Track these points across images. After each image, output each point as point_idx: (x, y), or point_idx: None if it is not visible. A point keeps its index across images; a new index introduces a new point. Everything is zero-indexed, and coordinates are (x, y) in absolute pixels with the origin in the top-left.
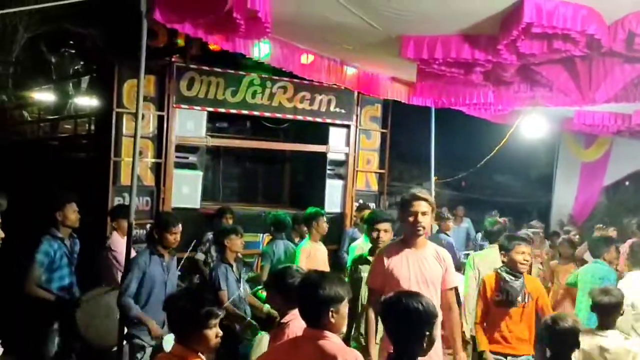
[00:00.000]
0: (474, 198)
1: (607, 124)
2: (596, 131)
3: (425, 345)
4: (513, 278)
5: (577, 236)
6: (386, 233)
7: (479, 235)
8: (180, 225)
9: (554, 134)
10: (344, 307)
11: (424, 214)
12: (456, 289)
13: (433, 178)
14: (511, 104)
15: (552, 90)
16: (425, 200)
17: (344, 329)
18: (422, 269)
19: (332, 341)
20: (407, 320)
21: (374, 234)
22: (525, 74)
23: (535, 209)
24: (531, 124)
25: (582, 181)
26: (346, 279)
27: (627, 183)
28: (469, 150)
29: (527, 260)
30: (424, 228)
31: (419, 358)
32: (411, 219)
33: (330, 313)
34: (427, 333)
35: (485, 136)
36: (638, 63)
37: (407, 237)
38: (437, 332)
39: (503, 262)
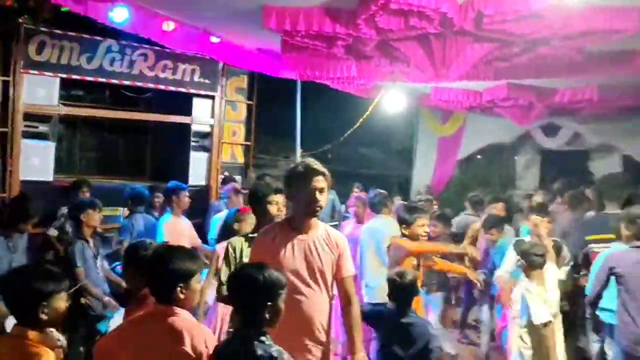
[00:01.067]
0: (340, 170)
1: (460, 100)
2: (451, 107)
3: (269, 315)
4: None
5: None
6: (276, 206)
7: (343, 206)
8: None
9: (413, 109)
10: (195, 282)
11: (321, 190)
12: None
13: (299, 150)
14: (372, 78)
15: (410, 66)
16: (323, 174)
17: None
18: (311, 257)
19: (181, 317)
20: (249, 291)
21: (263, 209)
22: (385, 50)
23: (397, 181)
24: (392, 99)
25: (440, 155)
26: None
27: (479, 157)
28: (335, 123)
29: (427, 232)
30: (321, 208)
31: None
32: (307, 196)
33: (179, 288)
34: (269, 303)
35: (350, 109)
36: (487, 42)
37: (296, 218)
38: (282, 304)
39: (404, 234)
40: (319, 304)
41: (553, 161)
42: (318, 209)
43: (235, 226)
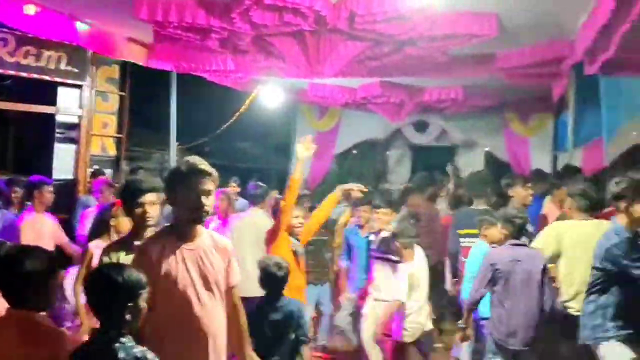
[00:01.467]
0: (218, 164)
1: (336, 96)
2: (327, 103)
3: (130, 316)
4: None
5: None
6: (153, 207)
7: None
8: None
9: (292, 103)
10: (53, 283)
11: (208, 193)
12: None
13: (174, 144)
14: (249, 72)
15: (285, 61)
16: (210, 175)
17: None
18: (204, 268)
19: (36, 321)
20: (108, 292)
21: (138, 211)
22: (261, 45)
23: (275, 175)
24: (270, 93)
25: (317, 149)
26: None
27: (354, 151)
28: (213, 115)
29: (301, 223)
30: (207, 213)
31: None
32: (191, 201)
33: (33, 291)
34: (130, 304)
35: (228, 103)
36: (359, 41)
37: (181, 225)
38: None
39: None
40: (217, 317)
41: (423, 156)
42: (204, 214)
43: (112, 222)
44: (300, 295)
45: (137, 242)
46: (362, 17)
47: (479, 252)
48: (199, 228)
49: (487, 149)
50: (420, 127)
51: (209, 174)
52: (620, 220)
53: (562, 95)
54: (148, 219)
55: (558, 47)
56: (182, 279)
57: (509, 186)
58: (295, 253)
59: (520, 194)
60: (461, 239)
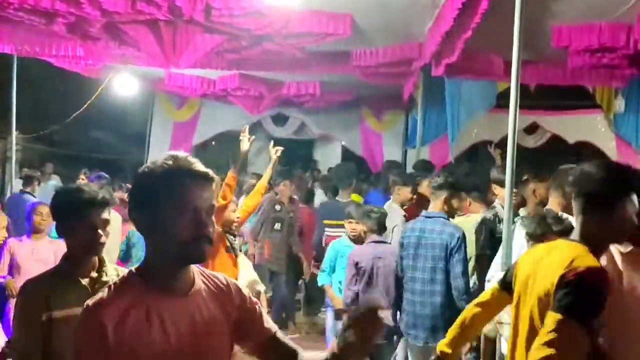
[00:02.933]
0: (68, 154)
1: (195, 87)
2: (186, 93)
3: None
4: None
5: None
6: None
7: None
8: None
9: (148, 92)
10: None
11: (209, 211)
12: None
13: (14, 132)
14: (101, 59)
15: (140, 50)
16: (207, 177)
17: None
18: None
19: None
20: None
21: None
22: (113, 32)
23: (130, 166)
24: (123, 81)
25: (174, 140)
26: None
27: (213, 143)
28: (62, 103)
29: (239, 217)
30: (211, 242)
31: None
32: (181, 223)
33: None
34: None
35: (79, 90)
36: (217, 34)
37: (158, 269)
38: None
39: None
40: None
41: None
42: (205, 247)
43: None
44: None
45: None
46: (218, 11)
47: (337, 245)
48: (192, 269)
49: (343, 143)
50: (280, 120)
51: (206, 177)
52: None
53: (412, 94)
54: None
55: (408, 49)
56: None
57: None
58: (230, 249)
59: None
60: (327, 229)
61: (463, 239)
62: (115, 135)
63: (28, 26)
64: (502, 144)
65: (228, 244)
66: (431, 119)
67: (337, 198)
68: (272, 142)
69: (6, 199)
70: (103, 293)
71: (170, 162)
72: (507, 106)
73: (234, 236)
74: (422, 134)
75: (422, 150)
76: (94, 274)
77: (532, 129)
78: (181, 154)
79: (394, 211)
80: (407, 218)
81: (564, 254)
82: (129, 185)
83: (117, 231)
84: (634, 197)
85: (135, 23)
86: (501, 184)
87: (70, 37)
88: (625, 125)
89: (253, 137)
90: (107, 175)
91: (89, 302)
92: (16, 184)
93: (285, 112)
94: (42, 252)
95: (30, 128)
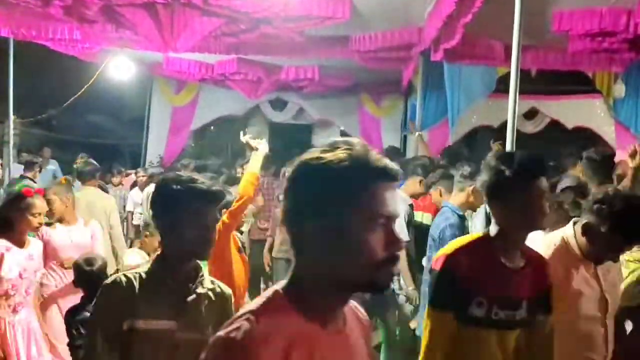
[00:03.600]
0: (65, 139)
1: (193, 71)
2: (184, 77)
3: None
4: None
5: None
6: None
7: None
8: None
9: (146, 77)
10: None
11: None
12: None
13: (12, 116)
14: (98, 42)
15: (137, 34)
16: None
17: None
18: None
19: None
20: None
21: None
22: (110, 15)
23: (129, 151)
24: (120, 65)
25: (173, 125)
26: None
27: (212, 128)
28: (59, 87)
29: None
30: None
31: None
32: (378, 240)
33: None
34: None
35: (76, 74)
36: (215, 17)
37: (320, 294)
38: None
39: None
40: None
41: (280, 134)
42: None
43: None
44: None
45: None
46: None
47: None
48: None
49: (342, 128)
50: (278, 105)
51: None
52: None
53: (411, 79)
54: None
55: (407, 33)
56: None
57: None
58: (241, 249)
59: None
60: None
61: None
62: (113, 120)
63: (24, 9)
64: (501, 131)
65: (240, 244)
66: (430, 104)
67: None
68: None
69: (6, 184)
70: (247, 322)
71: (352, 152)
72: (507, 91)
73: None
74: (421, 119)
75: (419, 140)
76: (190, 284)
77: (531, 114)
78: (357, 140)
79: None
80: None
81: None
82: (128, 171)
83: None
84: (539, 183)
85: (132, 6)
86: None
87: (66, 20)
88: (624, 110)
89: (264, 140)
90: (93, 162)
91: (231, 332)
92: (14, 169)
93: (283, 97)
94: (79, 236)
95: (28, 112)
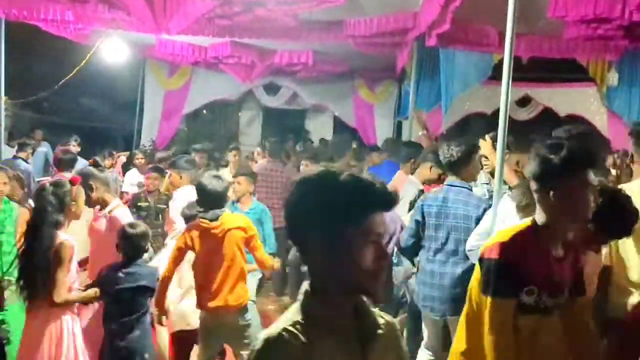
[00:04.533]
0: (57, 122)
1: (186, 54)
2: (177, 60)
3: None
4: None
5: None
6: None
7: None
8: None
9: (138, 59)
10: None
11: None
12: None
13: (3, 98)
14: (90, 23)
15: (130, 15)
16: None
17: None
18: None
19: None
20: None
21: None
22: None
23: (121, 134)
24: (113, 47)
25: (166, 108)
26: None
27: (204, 112)
28: (51, 69)
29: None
30: None
31: None
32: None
33: None
34: None
35: (69, 55)
36: None
37: None
38: None
39: None
40: None
41: (274, 118)
42: None
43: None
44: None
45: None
46: None
47: None
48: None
49: (336, 113)
50: (272, 89)
51: None
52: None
53: (405, 65)
54: None
55: (402, 18)
56: None
57: None
58: None
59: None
60: None
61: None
62: (105, 103)
63: None
64: (494, 117)
65: None
66: (424, 90)
67: None
68: None
69: None
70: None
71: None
72: (500, 78)
73: None
74: (414, 105)
75: (414, 122)
76: (355, 321)
77: (524, 101)
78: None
79: (410, 185)
80: None
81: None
82: (119, 154)
83: None
84: (587, 174)
85: None
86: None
87: (59, 0)
88: (617, 99)
89: None
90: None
91: None
92: (5, 150)
93: (277, 82)
94: (97, 225)
95: (19, 94)
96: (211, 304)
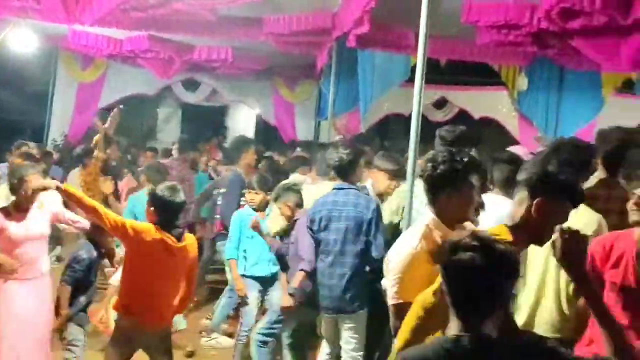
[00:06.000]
0: None
1: (100, 46)
2: (91, 52)
3: None
4: None
5: None
6: None
7: None
8: None
9: (50, 50)
10: None
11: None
12: None
13: None
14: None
15: (40, 3)
16: None
17: None
18: None
19: None
20: None
21: None
22: None
23: (30, 128)
24: (22, 37)
25: (79, 102)
26: None
27: (121, 106)
28: None
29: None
30: None
31: None
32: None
33: None
34: None
35: None
36: None
37: None
38: None
39: None
40: None
41: (193, 115)
42: None
43: None
44: None
45: None
46: None
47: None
48: None
49: (257, 111)
50: (191, 85)
51: None
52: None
53: (325, 65)
54: None
55: (321, 18)
56: None
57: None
58: None
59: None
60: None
61: (378, 209)
62: (14, 95)
63: None
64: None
65: None
66: (343, 91)
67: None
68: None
69: None
70: None
71: None
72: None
73: None
74: (334, 106)
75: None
76: None
77: (440, 104)
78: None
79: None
80: None
81: None
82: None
83: None
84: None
85: None
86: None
87: None
88: (527, 103)
89: None
90: None
91: None
92: None
93: (196, 77)
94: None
95: None
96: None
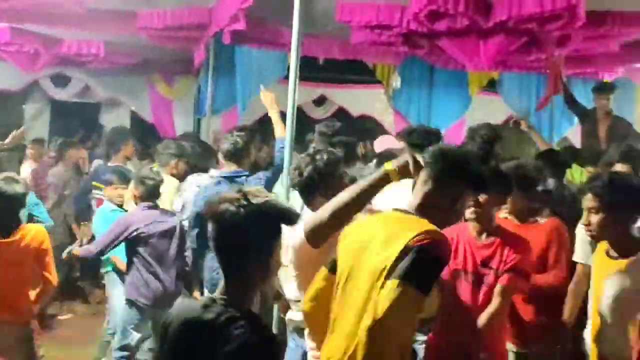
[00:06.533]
0: None
1: None
2: None
3: None
4: None
5: None
6: None
7: None
8: None
9: None
10: None
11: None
12: None
13: None
14: None
15: None
16: None
17: None
18: None
19: None
20: None
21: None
22: None
23: None
24: None
25: None
26: None
27: None
28: None
29: None
30: None
31: None
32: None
33: None
34: None
35: None
36: None
37: None
38: None
39: None
40: None
41: (64, 112)
42: None
43: None
44: None
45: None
46: None
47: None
48: None
49: (132, 108)
50: (60, 81)
51: None
52: None
53: (203, 61)
54: None
55: (197, 13)
56: None
57: None
58: None
59: None
60: (95, 192)
61: None
62: None
63: None
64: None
65: None
66: (222, 88)
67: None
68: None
69: None
70: None
71: None
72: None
73: None
74: (213, 103)
75: (212, 120)
76: None
77: (320, 101)
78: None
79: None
80: None
81: (412, 225)
82: None
83: None
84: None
85: None
86: None
87: None
88: (401, 101)
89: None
90: None
91: None
92: None
93: (66, 73)
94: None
95: None
96: None
